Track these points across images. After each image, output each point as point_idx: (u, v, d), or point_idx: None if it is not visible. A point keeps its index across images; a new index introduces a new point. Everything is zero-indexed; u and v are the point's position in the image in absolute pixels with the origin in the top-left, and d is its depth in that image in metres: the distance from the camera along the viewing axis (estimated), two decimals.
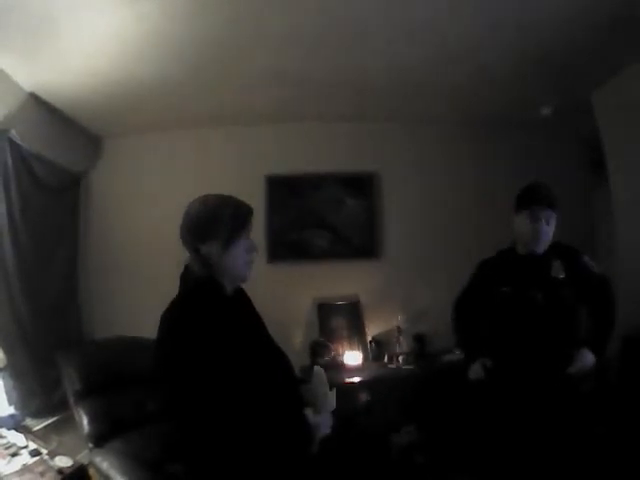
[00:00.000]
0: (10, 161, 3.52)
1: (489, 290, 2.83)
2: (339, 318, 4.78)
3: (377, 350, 4.70)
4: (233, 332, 1.68)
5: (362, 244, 4.96)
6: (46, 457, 2.58)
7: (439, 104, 4.59)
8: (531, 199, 2.68)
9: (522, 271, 2.73)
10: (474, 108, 4.67)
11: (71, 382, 3.10)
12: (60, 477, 2.46)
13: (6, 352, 3.01)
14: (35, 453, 2.59)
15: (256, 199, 3.90)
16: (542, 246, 2.68)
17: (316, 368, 1.99)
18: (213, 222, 1.73)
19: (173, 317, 1.66)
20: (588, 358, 2.49)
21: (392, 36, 3.33)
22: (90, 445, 2.94)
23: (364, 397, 4.03)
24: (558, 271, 2.63)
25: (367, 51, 3.54)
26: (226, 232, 1.73)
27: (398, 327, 4.65)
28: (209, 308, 1.66)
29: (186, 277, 1.78)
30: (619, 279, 3.39)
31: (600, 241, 4.80)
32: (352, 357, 4.57)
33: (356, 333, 4.74)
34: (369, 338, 4.77)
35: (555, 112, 4.48)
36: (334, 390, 1.97)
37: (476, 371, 2.81)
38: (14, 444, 2.62)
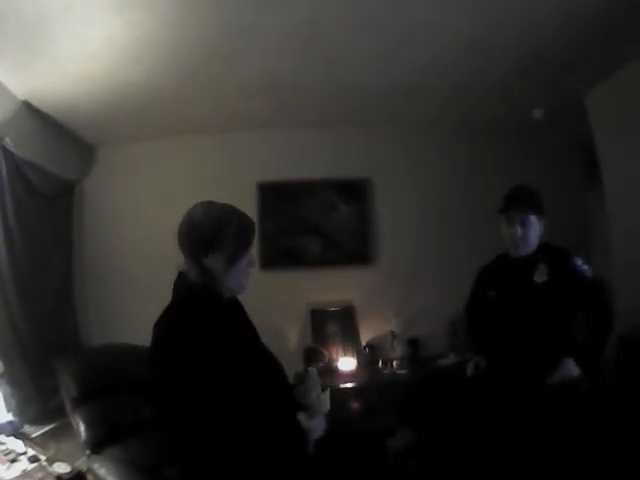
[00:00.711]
0: (4, 169, 3.53)
1: (482, 294, 2.89)
2: (333, 324, 4.79)
3: (371, 355, 4.72)
4: (228, 339, 1.69)
5: (355, 250, 4.98)
6: (45, 463, 2.58)
7: (433, 108, 4.63)
8: (507, 203, 2.73)
9: (508, 275, 2.77)
10: (468, 111, 4.70)
11: (68, 389, 3.08)
12: None
13: (3, 359, 3.01)
14: (34, 459, 2.59)
15: (248, 206, 3.90)
16: (522, 249, 2.71)
17: (310, 369, 2.01)
18: (219, 235, 1.71)
19: (168, 324, 1.66)
20: (570, 369, 2.49)
21: (387, 40, 3.35)
22: (87, 452, 2.93)
23: (358, 402, 4.04)
24: (542, 275, 2.63)
25: (361, 55, 3.56)
26: (232, 248, 1.73)
27: (392, 332, 4.68)
28: (205, 315, 1.66)
29: (180, 284, 1.78)
30: (614, 280, 3.42)
31: (594, 242, 4.83)
32: (346, 362, 4.59)
33: (350, 339, 4.76)
34: (363, 343, 4.79)
35: (549, 114, 4.51)
36: (327, 391, 1.98)
37: (469, 368, 2.91)
38: (13, 450, 2.62)
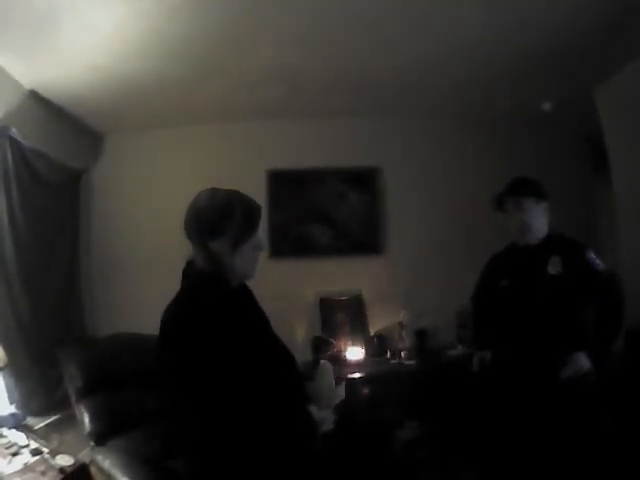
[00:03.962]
0: (10, 158, 3.49)
1: (492, 284, 2.85)
2: (341, 313, 4.78)
3: (379, 345, 4.70)
4: (239, 327, 1.67)
5: (364, 239, 4.96)
6: (47, 456, 2.58)
7: (442, 99, 4.57)
8: (503, 194, 2.76)
9: (520, 265, 2.74)
10: (476, 103, 4.65)
11: (72, 380, 3.09)
12: (61, 476, 2.46)
13: (7, 350, 3.00)
14: (36, 452, 2.58)
15: (258, 194, 3.83)
16: (531, 235, 2.70)
17: (322, 362, 2.00)
18: (223, 220, 1.70)
19: (176, 312, 1.64)
20: (582, 362, 2.46)
21: (393, 32, 3.32)
22: (91, 443, 2.93)
23: (366, 392, 4.03)
24: (555, 267, 2.60)
25: (369, 47, 3.53)
26: (237, 231, 1.71)
27: (400, 322, 4.65)
28: (215, 303, 1.64)
29: (189, 272, 1.77)
30: (622, 274, 3.37)
31: (602, 237, 4.78)
32: (354, 352, 4.57)
33: (358, 328, 4.74)
34: (371, 333, 4.77)
35: (557, 108, 4.46)
36: (343, 383, 1.97)
37: (474, 363, 2.89)
38: (15, 443, 2.61)
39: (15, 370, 3.26)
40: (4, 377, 3.02)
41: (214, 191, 1.77)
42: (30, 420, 3.16)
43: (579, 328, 2.58)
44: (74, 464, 2.57)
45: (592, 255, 2.61)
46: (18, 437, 2.68)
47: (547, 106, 4.46)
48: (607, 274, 2.62)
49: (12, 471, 2.39)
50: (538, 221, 2.68)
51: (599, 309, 2.57)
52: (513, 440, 2.61)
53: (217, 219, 1.70)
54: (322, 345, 4.40)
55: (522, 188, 2.70)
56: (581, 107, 4.27)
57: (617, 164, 4.08)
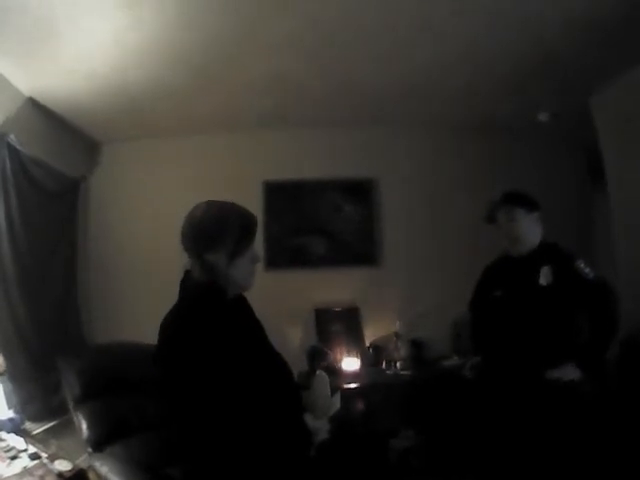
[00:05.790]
0: (8, 166, 3.50)
1: (486, 294, 2.88)
2: (337, 324, 4.77)
3: (375, 356, 4.70)
4: (235, 338, 1.68)
5: (360, 250, 4.97)
6: (46, 461, 2.58)
7: (438, 111, 4.61)
8: (494, 206, 2.82)
9: (512, 276, 2.77)
10: (472, 115, 4.69)
11: (70, 387, 3.08)
12: None
13: (5, 356, 3.01)
14: (35, 456, 2.58)
15: (254, 205, 3.85)
16: (522, 245, 2.73)
17: (318, 372, 2.01)
18: (219, 232, 1.72)
19: (173, 323, 1.66)
20: (570, 372, 2.49)
21: (390, 41, 3.35)
22: (89, 449, 2.93)
23: (362, 402, 4.03)
24: (546, 278, 2.62)
25: (367, 57, 3.57)
26: (233, 243, 1.73)
27: (396, 333, 4.64)
28: (211, 313, 1.66)
29: (187, 283, 1.79)
30: (618, 283, 3.40)
31: (599, 246, 4.79)
32: (350, 363, 4.56)
33: (354, 339, 4.73)
34: (367, 344, 4.77)
35: (553, 117, 4.50)
36: (338, 393, 1.98)
37: (465, 368, 2.93)
38: (14, 447, 2.61)
39: (14, 375, 3.26)
40: (3, 382, 3.02)
41: (210, 203, 1.80)
42: (28, 425, 3.15)
43: (571, 337, 2.59)
44: (72, 469, 2.57)
45: (582, 264, 2.64)
46: (17, 441, 2.68)
47: (544, 117, 4.50)
48: (597, 283, 2.64)
49: (11, 474, 2.39)
50: (529, 232, 2.72)
51: (590, 318, 2.59)
52: (507, 448, 2.60)
53: (213, 231, 1.72)
54: (318, 355, 4.40)
55: (512, 199, 2.75)
56: (577, 117, 4.31)
57: (613, 174, 4.10)
